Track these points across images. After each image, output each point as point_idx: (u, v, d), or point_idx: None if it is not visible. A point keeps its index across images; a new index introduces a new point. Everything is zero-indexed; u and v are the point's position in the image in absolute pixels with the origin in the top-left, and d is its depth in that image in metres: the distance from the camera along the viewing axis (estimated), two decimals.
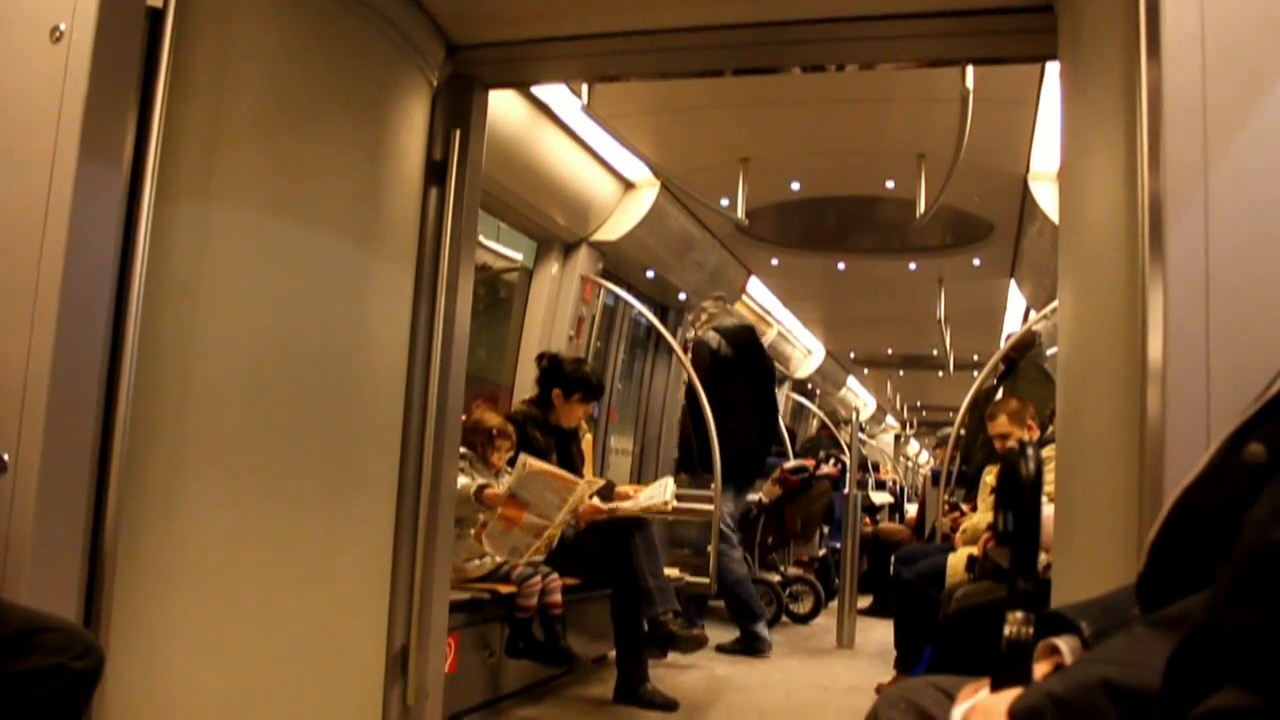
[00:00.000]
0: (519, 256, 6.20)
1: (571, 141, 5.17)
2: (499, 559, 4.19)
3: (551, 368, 4.82)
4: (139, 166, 2.27)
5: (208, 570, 2.49)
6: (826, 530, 8.27)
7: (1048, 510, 2.91)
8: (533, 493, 4.09)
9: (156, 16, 2.32)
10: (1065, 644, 1.17)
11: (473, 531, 4.16)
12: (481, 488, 4.10)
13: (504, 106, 4.36)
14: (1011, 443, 4.50)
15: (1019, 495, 1.15)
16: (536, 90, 4.53)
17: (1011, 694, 1.08)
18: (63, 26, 2.12)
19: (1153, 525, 1.08)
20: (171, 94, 2.33)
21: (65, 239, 2.06)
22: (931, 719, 1.24)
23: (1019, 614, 1.14)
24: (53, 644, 1.81)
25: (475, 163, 3.44)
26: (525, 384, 5.83)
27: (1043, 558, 3.05)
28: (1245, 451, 0.99)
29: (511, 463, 4.34)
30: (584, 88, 4.13)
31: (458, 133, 3.35)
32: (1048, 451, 3.78)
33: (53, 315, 2.06)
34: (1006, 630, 1.14)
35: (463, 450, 4.12)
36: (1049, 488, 3.07)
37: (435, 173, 3.34)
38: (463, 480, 4.07)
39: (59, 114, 2.10)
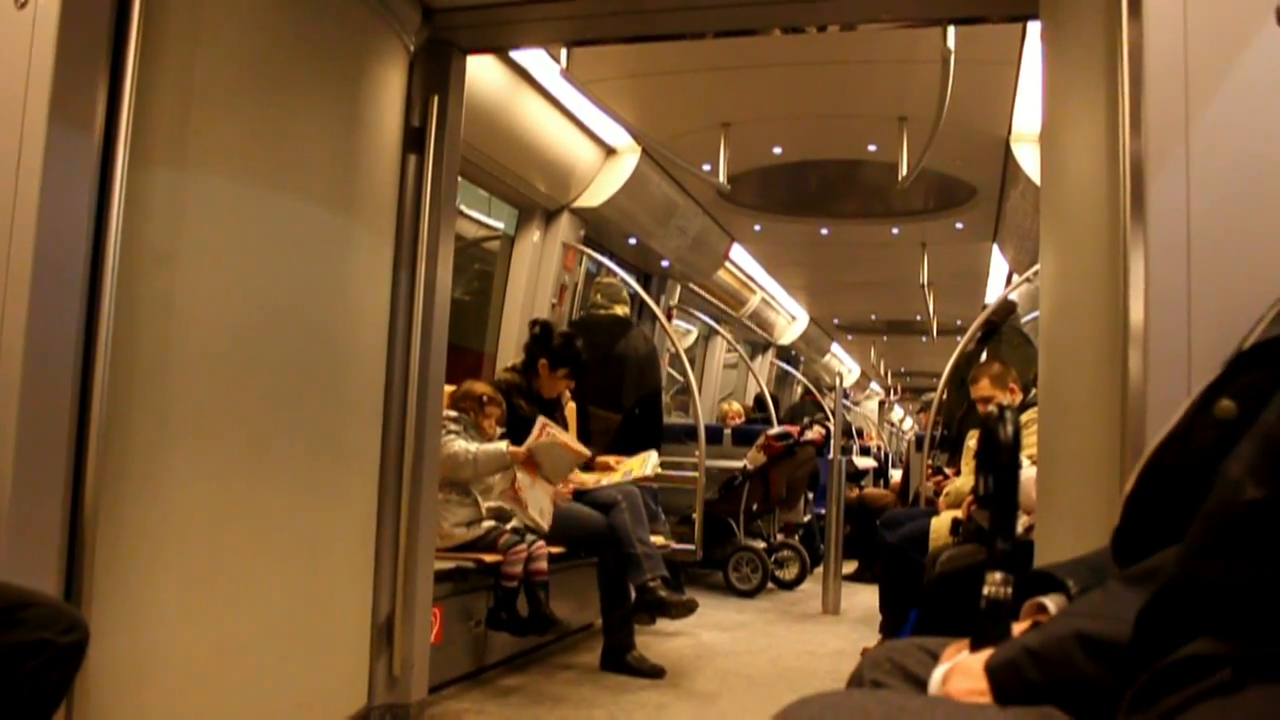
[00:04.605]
0: (500, 225, 6.16)
1: (551, 107, 5.13)
2: (531, 518, 4.34)
3: (543, 335, 4.80)
4: (111, 134, 2.23)
5: (189, 543, 2.47)
6: (811, 496, 8.30)
7: (1030, 472, 2.92)
8: (546, 457, 4.31)
9: None
10: (1052, 602, 1.18)
11: (500, 492, 4.34)
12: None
13: (482, 72, 4.33)
14: (994, 405, 4.52)
15: (997, 459, 1.17)
16: (515, 55, 4.49)
17: (990, 652, 1.09)
18: None
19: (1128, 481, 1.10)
20: (143, 59, 2.28)
21: (36, 208, 2.04)
22: (916, 678, 1.24)
23: (998, 575, 1.16)
24: (37, 619, 1.80)
25: (454, 129, 3.41)
26: (507, 352, 5.81)
27: (1025, 519, 3.08)
28: (1216, 407, 1.01)
29: (506, 435, 4.38)
30: (563, 52, 4.09)
31: (436, 99, 3.31)
32: (1030, 414, 3.80)
33: (25, 287, 2.03)
34: (985, 590, 1.15)
35: (455, 415, 4.18)
36: (1031, 450, 3.08)
37: (414, 139, 3.30)
38: (467, 444, 4.11)
39: (26, 81, 2.06)
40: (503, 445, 4.20)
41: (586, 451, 4.50)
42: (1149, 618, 0.88)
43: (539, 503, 4.39)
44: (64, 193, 2.12)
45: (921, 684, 1.20)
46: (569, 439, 4.42)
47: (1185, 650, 0.82)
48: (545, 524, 4.36)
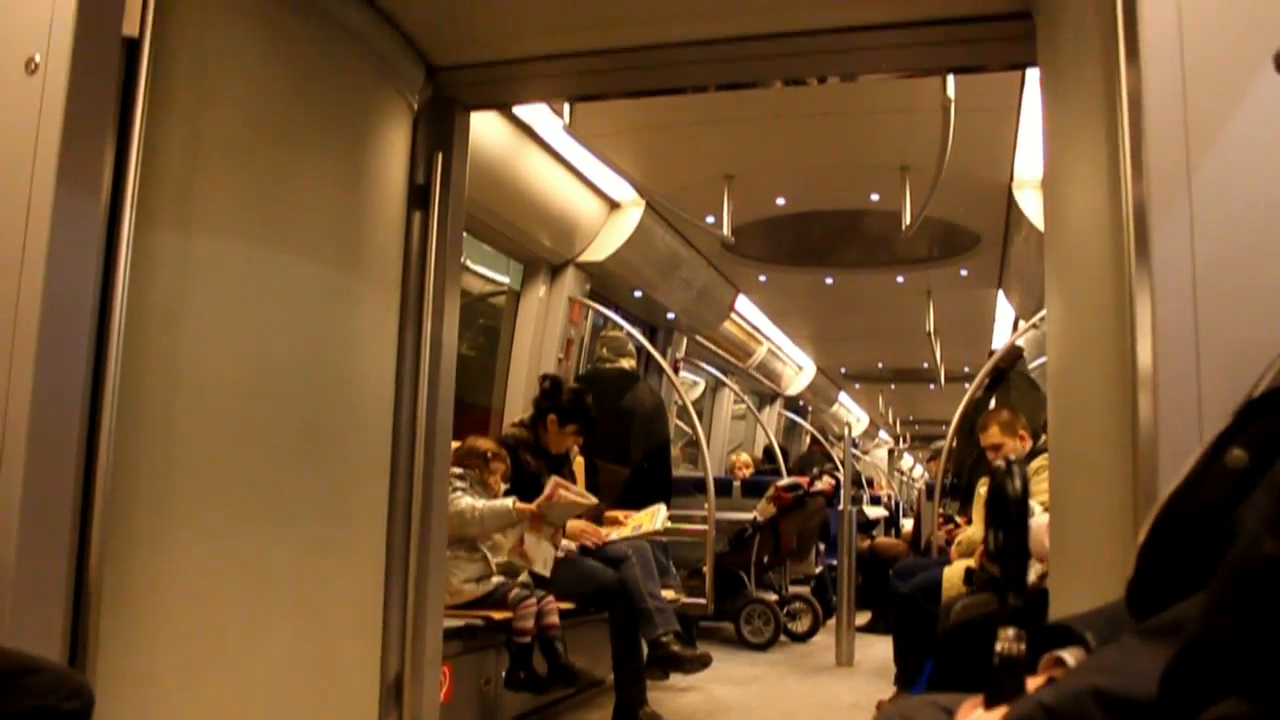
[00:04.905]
0: (506, 280, 6.19)
1: (555, 162, 5.17)
2: (537, 570, 4.39)
3: (552, 390, 4.80)
4: (118, 196, 2.24)
5: (195, 605, 2.45)
6: (823, 548, 8.25)
7: (1043, 519, 2.90)
8: (555, 512, 4.35)
9: (133, 46, 2.30)
10: (1071, 656, 1.17)
11: (509, 548, 4.38)
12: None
13: (486, 128, 4.36)
14: (1004, 453, 4.50)
15: (1006, 513, 1.16)
16: (518, 111, 4.54)
17: (1005, 710, 1.07)
18: (38, 58, 2.10)
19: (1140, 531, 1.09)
20: (149, 123, 2.30)
21: (43, 270, 2.04)
22: None
23: (1010, 631, 1.14)
24: (40, 686, 1.77)
25: (458, 185, 3.42)
26: (514, 407, 5.81)
27: (1039, 567, 3.05)
28: (1227, 457, 1.00)
29: (514, 493, 4.38)
30: (565, 107, 4.12)
31: (440, 155, 3.33)
32: (1041, 460, 3.77)
33: (31, 348, 2.03)
34: (998, 647, 1.14)
35: (460, 472, 4.18)
36: (1043, 497, 3.06)
37: (418, 196, 3.32)
38: (474, 501, 4.10)
39: (35, 145, 2.07)
40: (509, 502, 4.18)
41: (594, 500, 4.52)
42: (1173, 678, 0.86)
43: (544, 554, 4.41)
44: (71, 255, 2.12)
45: None
46: (579, 495, 4.42)
47: (1211, 713, 0.80)
48: (548, 572, 4.40)
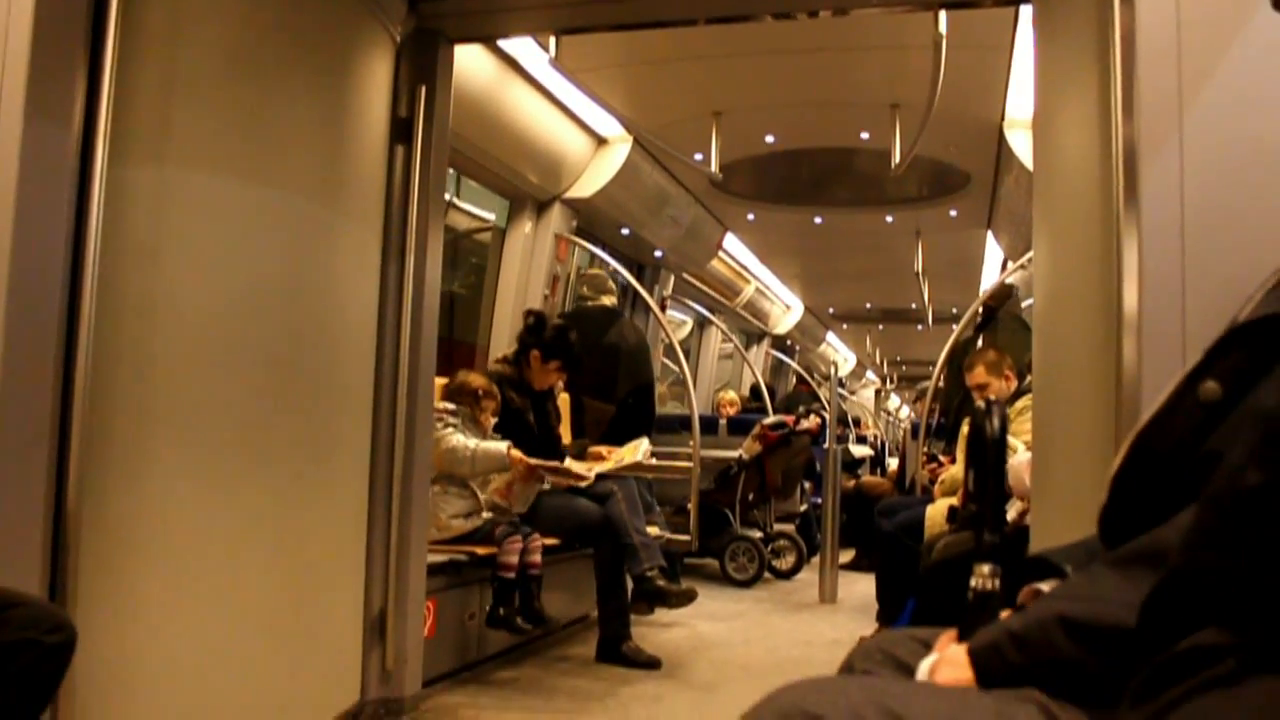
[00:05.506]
0: (491, 217, 6.14)
1: (541, 97, 5.10)
2: (515, 509, 4.40)
3: (536, 326, 4.77)
4: (90, 128, 2.20)
5: (176, 540, 2.45)
6: (808, 486, 8.29)
7: (1024, 457, 2.91)
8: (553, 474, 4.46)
9: None
10: (1049, 588, 1.18)
11: (491, 489, 4.36)
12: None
13: (471, 61, 4.29)
14: (990, 393, 4.51)
15: (984, 453, 1.17)
16: (504, 44, 4.46)
17: None
18: None
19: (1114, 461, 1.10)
20: (122, 52, 2.25)
21: (13, 203, 2.01)
22: (906, 667, 1.24)
23: (986, 567, 1.16)
24: (22, 619, 1.77)
25: (442, 119, 3.38)
26: (499, 345, 5.79)
27: (1020, 505, 3.07)
28: (1200, 389, 1.01)
29: (498, 428, 4.37)
30: (551, 40, 4.06)
31: (423, 89, 3.28)
32: (1026, 400, 3.78)
33: (3, 284, 2.00)
34: (973, 582, 1.15)
35: (452, 407, 4.18)
36: (1027, 436, 3.07)
37: (401, 130, 3.27)
38: (466, 440, 4.09)
39: (1, 75, 2.03)
40: (503, 447, 4.17)
41: (590, 479, 4.54)
42: (1154, 607, 0.87)
43: (527, 495, 4.46)
44: (42, 189, 2.08)
45: (912, 672, 1.20)
46: (584, 472, 4.50)
47: (1190, 641, 0.81)
48: (525, 509, 4.45)
